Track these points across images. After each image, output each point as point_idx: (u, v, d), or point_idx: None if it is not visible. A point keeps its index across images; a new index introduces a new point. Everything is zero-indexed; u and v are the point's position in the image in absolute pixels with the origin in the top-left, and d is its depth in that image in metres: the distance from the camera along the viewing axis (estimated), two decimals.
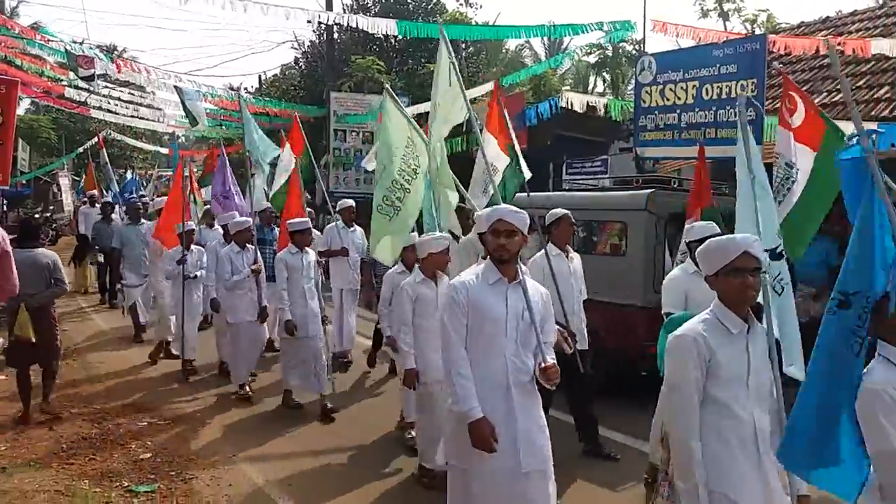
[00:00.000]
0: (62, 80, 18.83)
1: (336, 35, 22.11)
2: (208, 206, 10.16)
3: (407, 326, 4.99)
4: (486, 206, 5.16)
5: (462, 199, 6.35)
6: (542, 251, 5.57)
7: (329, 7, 19.97)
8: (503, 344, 3.32)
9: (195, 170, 14.81)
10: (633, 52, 19.87)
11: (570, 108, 12.01)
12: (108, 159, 16.57)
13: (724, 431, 2.79)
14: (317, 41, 23.72)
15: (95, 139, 28.18)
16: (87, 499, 4.78)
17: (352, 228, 8.69)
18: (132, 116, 21.91)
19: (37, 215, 21.36)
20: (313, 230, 7.88)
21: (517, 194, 6.41)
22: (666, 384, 2.98)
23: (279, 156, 8.81)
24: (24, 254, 6.09)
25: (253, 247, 7.58)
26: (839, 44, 8.38)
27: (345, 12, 21.18)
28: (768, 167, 4.97)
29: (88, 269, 14.52)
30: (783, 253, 3.73)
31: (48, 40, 16.49)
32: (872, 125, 7.07)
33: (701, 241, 4.36)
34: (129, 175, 24.72)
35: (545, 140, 12.68)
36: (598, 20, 11.58)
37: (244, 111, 9.14)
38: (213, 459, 5.64)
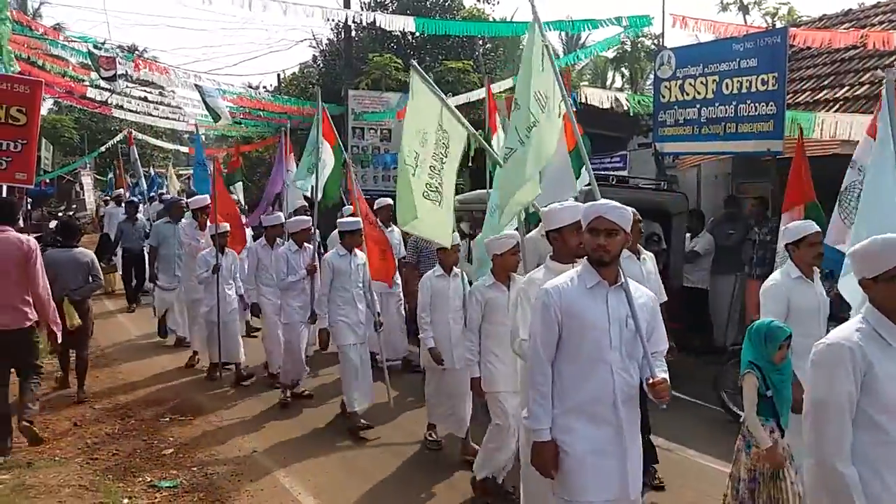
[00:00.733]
0: (84, 81, 19.04)
1: (354, 33, 22.14)
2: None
3: (474, 333, 4.70)
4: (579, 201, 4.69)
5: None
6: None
7: (347, 5, 20.01)
8: (608, 355, 2.97)
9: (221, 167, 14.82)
10: (652, 46, 19.73)
11: (588, 103, 11.94)
12: (137, 156, 16.38)
13: (876, 461, 2.41)
14: (334, 39, 23.78)
15: (120, 136, 28.55)
16: (111, 493, 4.85)
17: (389, 228, 8.27)
18: (151, 115, 22.07)
19: (59, 213, 21.62)
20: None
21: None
22: (810, 400, 2.55)
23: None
24: (67, 253, 7.06)
25: (311, 246, 7.29)
26: (861, 36, 8.26)
27: (362, 10, 21.21)
28: (788, 160, 4.95)
29: (112, 269, 14.06)
30: None
31: (70, 41, 16.69)
32: None
33: (799, 241, 4.27)
34: (151, 172, 24.91)
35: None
36: (617, 15, 11.47)
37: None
38: (234, 455, 5.70)
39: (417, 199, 5.27)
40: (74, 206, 28.49)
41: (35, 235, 7.80)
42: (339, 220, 6.49)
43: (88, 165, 29.94)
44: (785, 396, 3.74)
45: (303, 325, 7.18)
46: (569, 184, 5.73)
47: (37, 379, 5.76)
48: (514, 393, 4.41)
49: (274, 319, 7.54)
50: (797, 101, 9.63)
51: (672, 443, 5.77)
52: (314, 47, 25.16)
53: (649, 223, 8.41)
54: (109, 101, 20.64)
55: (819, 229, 4.35)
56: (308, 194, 8.84)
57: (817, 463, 2.49)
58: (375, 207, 8.24)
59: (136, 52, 29.81)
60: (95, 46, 16.92)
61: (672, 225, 8.30)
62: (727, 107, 8.36)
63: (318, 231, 8.47)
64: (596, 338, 2.97)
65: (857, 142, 7.29)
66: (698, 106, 8.44)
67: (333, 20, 18.98)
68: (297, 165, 9.47)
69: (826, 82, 9.75)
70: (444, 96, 5.21)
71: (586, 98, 12.00)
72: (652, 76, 9.56)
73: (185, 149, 35.71)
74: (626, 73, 23.80)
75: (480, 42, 21.36)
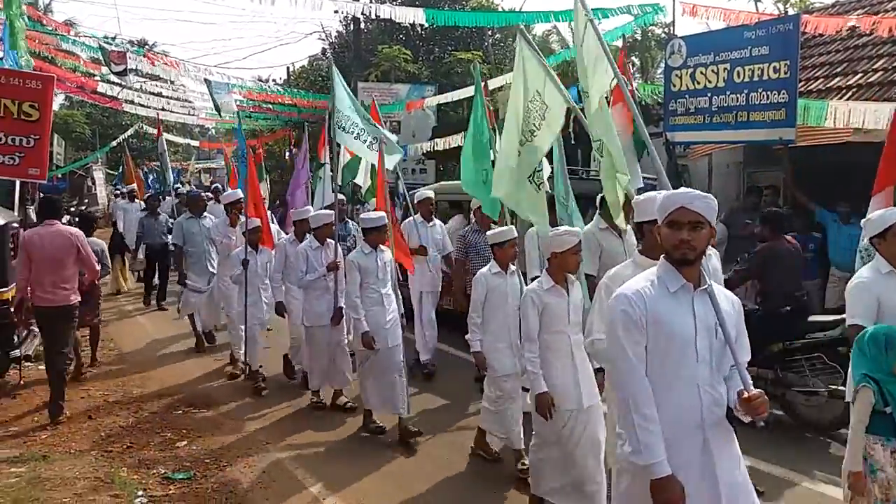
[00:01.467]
0: (95, 76, 19.15)
1: (363, 25, 22.12)
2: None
3: (534, 342, 4.19)
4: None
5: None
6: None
7: None
8: (695, 371, 2.57)
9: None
10: (663, 35, 19.58)
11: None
12: (165, 147, 15.70)
13: None
14: (343, 31, 23.78)
15: (131, 130, 28.68)
16: (126, 486, 4.90)
17: (431, 223, 7.82)
18: (163, 109, 22.17)
19: (71, 208, 21.75)
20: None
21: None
22: None
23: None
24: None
25: (333, 242, 6.80)
26: (874, 23, 8.16)
27: (371, 2, 21.19)
28: (810, 149, 4.87)
29: (124, 269, 13.70)
30: None
31: (81, 36, 16.78)
32: None
33: (884, 233, 3.76)
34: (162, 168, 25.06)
35: (574, 126, 12.54)
36: (627, 3, 11.38)
37: (334, 76, 7.37)
38: (247, 447, 5.73)
39: (528, 190, 4.84)
40: (87, 200, 28.67)
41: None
42: (362, 216, 6.01)
43: (100, 160, 30.12)
44: None
45: (327, 328, 6.64)
46: (635, 172, 5.48)
47: (70, 354, 6.99)
48: (578, 410, 4.11)
49: (299, 322, 7.07)
50: (809, 88, 9.54)
51: None
52: (323, 40, 25.20)
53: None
54: (120, 96, 20.74)
55: None
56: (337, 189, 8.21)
57: None
58: (416, 201, 7.85)
59: (147, 47, 29.94)
60: (106, 41, 17.02)
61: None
62: (738, 95, 8.29)
63: (352, 223, 8.35)
64: (681, 351, 2.56)
65: (871, 130, 7.24)
66: (709, 94, 8.37)
67: (342, 12, 18.99)
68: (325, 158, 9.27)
69: (839, 69, 9.65)
70: (547, 65, 4.80)
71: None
72: (662, 65, 9.48)
73: (195, 143, 35.85)
74: (637, 61, 23.64)
75: (489, 33, 21.27)
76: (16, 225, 9.09)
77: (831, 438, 5.64)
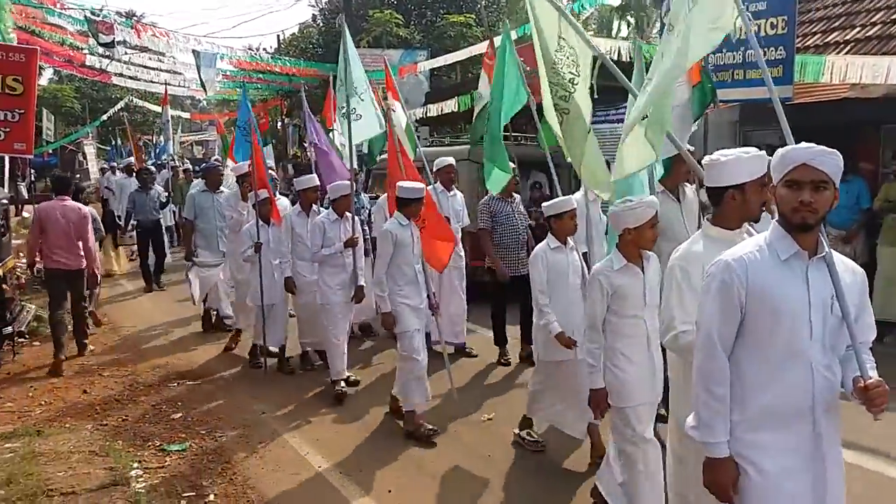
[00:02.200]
0: (83, 49, 18.85)
1: None
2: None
3: (598, 331, 3.67)
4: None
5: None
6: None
7: None
8: (807, 349, 2.30)
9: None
10: None
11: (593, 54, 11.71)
12: (170, 117, 14.67)
13: None
14: None
15: (121, 104, 28.35)
16: (121, 458, 4.88)
17: (451, 192, 7.29)
18: (153, 82, 21.89)
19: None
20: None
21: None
22: None
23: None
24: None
25: (351, 215, 6.30)
26: None
27: None
28: (807, 106, 4.77)
29: (116, 249, 12.94)
30: None
31: (67, 8, 16.46)
32: None
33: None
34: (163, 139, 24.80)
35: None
36: None
37: (345, 37, 6.66)
38: (242, 417, 5.72)
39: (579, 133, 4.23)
40: (79, 175, 28.49)
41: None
42: (399, 185, 5.43)
43: (91, 135, 29.84)
44: None
45: (344, 307, 6.26)
46: (688, 125, 4.94)
47: (86, 304, 7.91)
48: (651, 405, 3.73)
49: (309, 299, 6.64)
50: (806, 44, 9.39)
51: None
52: (313, 6, 24.79)
53: (536, 174, 9.41)
54: (109, 69, 20.47)
55: None
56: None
57: None
58: (435, 169, 7.18)
59: (135, 18, 29.48)
60: (93, 13, 16.72)
61: (558, 175, 9.28)
62: (735, 53, 8.13)
63: (365, 196, 7.81)
64: (792, 326, 2.29)
65: (868, 85, 7.12)
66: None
67: None
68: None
69: (837, 24, 9.48)
70: (562, 8, 4.27)
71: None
72: (658, 24, 9.30)
73: (186, 115, 35.50)
74: (632, 21, 23.34)
75: None
76: (5, 201, 9.02)
77: None
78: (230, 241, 7.91)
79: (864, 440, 4.48)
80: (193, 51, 18.03)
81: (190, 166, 13.77)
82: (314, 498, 4.38)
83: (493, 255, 6.75)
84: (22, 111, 7.73)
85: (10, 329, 7.54)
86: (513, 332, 7.04)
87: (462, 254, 7.28)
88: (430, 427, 5.21)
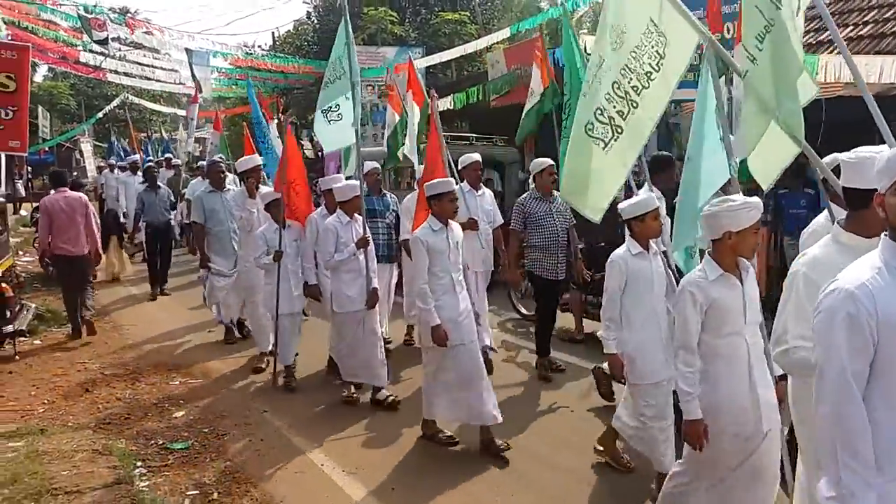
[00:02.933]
0: (77, 45, 18.82)
1: None
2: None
3: (691, 353, 3.18)
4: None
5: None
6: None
7: None
8: None
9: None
10: None
11: (588, 52, 11.75)
12: (196, 113, 14.33)
13: None
14: None
15: (117, 101, 28.26)
16: (124, 457, 4.93)
17: (480, 192, 6.84)
18: (148, 78, 21.85)
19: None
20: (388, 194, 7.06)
21: None
22: None
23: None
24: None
25: (361, 217, 5.97)
26: None
27: None
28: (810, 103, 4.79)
29: (120, 252, 12.22)
30: None
31: (60, 5, 16.44)
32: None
33: None
34: (164, 136, 24.70)
35: (562, 86, 12.44)
36: None
37: (345, 24, 6.11)
38: (244, 416, 5.77)
39: (574, 142, 3.95)
40: (76, 173, 28.43)
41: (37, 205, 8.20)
42: (427, 184, 5.00)
43: (87, 132, 29.77)
44: None
45: (361, 315, 5.83)
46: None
47: (90, 290, 8.55)
48: (748, 440, 3.19)
49: (325, 301, 6.27)
50: (808, 41, 9.44)
51: None
52: (308, 3, 24.74)
53: (489, 170, 10.06)
54: (104, 66, 20.43)
55: None
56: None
57: None
58: (461, 167, 6.85)
59: (128, 14, 29.39)
60: (86, 10, 16.69)
61: (506, 172, 10.90)
62: (729, 51, 8.20)
63: (391, 196, 7.30)
64: None
65: (862, 83, 7.18)
66: (698, 50, 8.28)
67: None
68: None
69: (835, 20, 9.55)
70: None
71: (585, 45, 11.80)
72: None
73: (183, 112, 35.38)
74: None
75: None
76: (2, 199, 9.05)
77: None
78: (242, 244, 7.43)
79: None
80: (186, 49, 18.03)
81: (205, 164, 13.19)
82: (317, 495, 4.43)
83: (514, 257, 6.44)
84: (15, 108, 7.74)
85: (10, 328, 7.57)
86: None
87: (491, 257, 6.91)
88: (448, 434, 4.96)
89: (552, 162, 6.28)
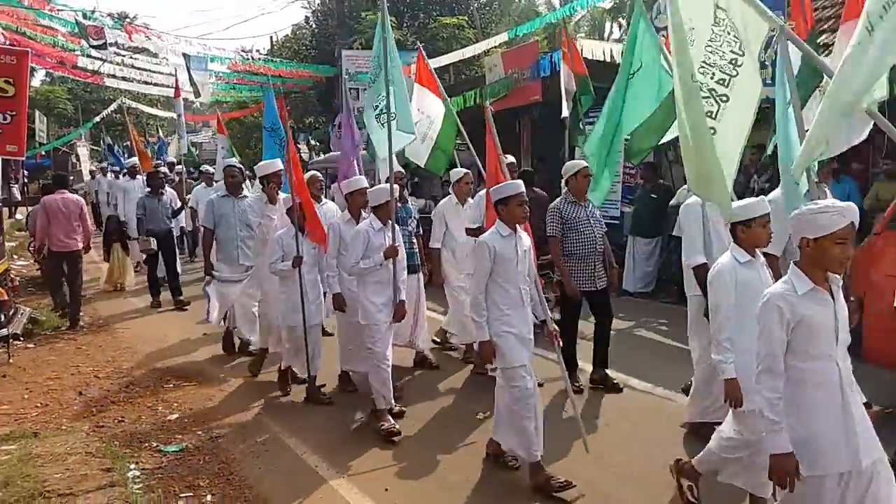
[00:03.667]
0: (75, 50, 18.82)
1: None
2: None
3: (776, 376, 2.80)
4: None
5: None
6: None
7: None
8: None
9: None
10: None
11: (584, 56, 11.77)
12: (182, 110, 13.12)
13: None
14: None
15: (114, 105, 28.21)
16: (118, 459, 4.90)
17: None
18: (146, 83, 21.85)
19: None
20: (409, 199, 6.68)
21: None
22: None
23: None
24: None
25: (392, 223, 5.59)
26: None
27: None
28: None
29: (123, 260, 11.47)
30: None
31: (58, 10, 16.43)
32: None
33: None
34: (161, 137, 24.60)
35: (560, 90, 12.46)
36: None
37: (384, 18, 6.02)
38: (238, 418, 5.75)
39: (696, 140, 3.42)
40: (72, 177, 28.39)
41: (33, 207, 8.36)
42: (493, 188, 4.55)
43: (84, 136, 29.75)
44: None
45: (388, 327, 5.51)
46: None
47: (80, 281, 9.34)
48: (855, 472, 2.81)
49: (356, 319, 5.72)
50: None
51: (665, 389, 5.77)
52: (306, 7, 24.81)
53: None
54: (101, 71, 20.44)
55: None
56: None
57: None
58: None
59: (126, 20, 29.43)
60: (84, 16, 16.69)
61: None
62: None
63: (412, 203, 6.83)
64: None
65: None
66: None
67: None
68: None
69: (825, 26, 9.56)
70: None
71: (582, 50, 11.83)
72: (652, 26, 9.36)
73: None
74: (624, 23, 23.42)
75: None
76: None
77: None
78: (258, 252, 7.00)
79: None
80: (184, 54, 18.02)
81: (212, 170, 12.35)
82: (311, 497, 4.40)
83: (563, 267, 5.87)
84: (14, 113, 7.75)
85: (5, 331, 7.55)
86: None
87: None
88: (562, 480, 4.23)
89: (586, 164, 5.87)
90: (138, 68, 21.34)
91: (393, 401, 5.46)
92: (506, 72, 12.99)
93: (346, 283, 5.84)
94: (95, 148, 32.83)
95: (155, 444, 5.22)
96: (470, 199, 6.82)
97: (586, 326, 6.27)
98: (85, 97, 35.18)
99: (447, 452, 4.96)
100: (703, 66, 3.60)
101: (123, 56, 20.54)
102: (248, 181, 10.48)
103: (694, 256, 4.81)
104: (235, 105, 26.49)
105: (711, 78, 3.61)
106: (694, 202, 4.81)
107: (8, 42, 14.00)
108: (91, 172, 22.62)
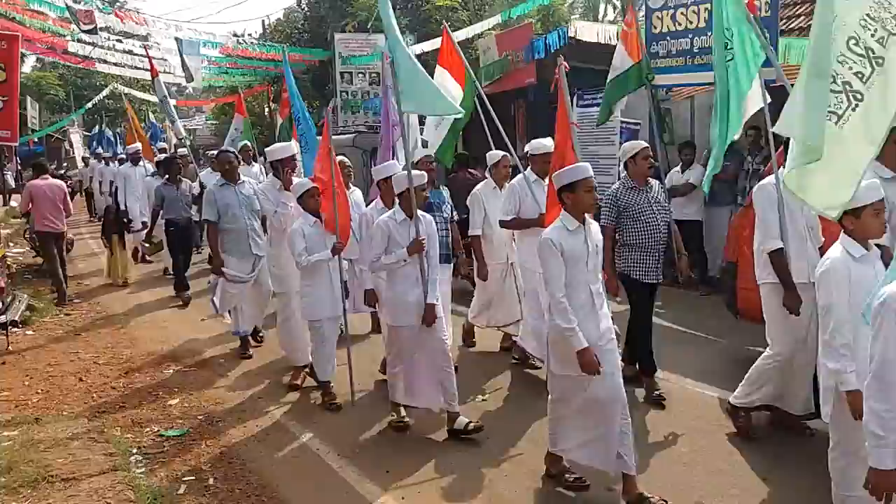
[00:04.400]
0: (65, 35, 18.67)
1: None
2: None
3: (891, 388, 2.57)
4: None
5: None
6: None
7: None
8: None
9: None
10: None
11: (578, 38, 11.74)
12: (167, 92, 12.36)
13: None
14: None
15: (107, 91, 28.01)
16: (120, 444, 4.95)
17: (546, 181, 5.54)
18: (137, 68, 21.70)
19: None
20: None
21: None
22: None
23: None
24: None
25: (424, 215, 5.03)
26: None
27: None
28: (781, 88, 4.85)
29: (123, 255, 10.74)
30: None
31: None
32: None
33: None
34: (153, 121, 24.44)
35: (554, 72, 12.43)
36: None
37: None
38: (240, 403, 5.79)
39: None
40: (65, 164, 28.26)
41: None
42: (556, 173, 3.98)
43: (76, 123, 29.58)
44: None
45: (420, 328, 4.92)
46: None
47: (64, 260, 9.88)
48: None
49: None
50: (791, 27, 9.45)
51: (670, 373, 5.82)
52: None
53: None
54: (92, 56, 20.28)
55: None
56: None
57: None
58: (530, 154, 6.00)
59: (117, 4, 29.18)
60: (74, 0, 16.54)
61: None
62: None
63: (445, 190, 6.32)
64: None
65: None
66: (690, 36, 8.31)
67: None
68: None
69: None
70: None
71: (577, 32, 11.80)
72: (644, 7, 9.34)
73: (172, 101, 35.13)
74: (619, 4, 23.34)
75: None
76: None
77: None
78: (274, 243, 6.51)
79: None
80: (176, 38, 17.90)
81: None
82: (313, 479, 4.46)
83: (610, 262, 5.25)
84: (5, 98, 7.74)
85: (3, 318, 7.57)
86: None
87: None
88: (577, 476, 4.11)
89: (646, 144, 5.41)
90: (129, 53, 21.19)
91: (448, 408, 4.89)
92: (500, 54, 12.94)
93: (379, 277, 5.27)
94: (88, 134, 32.63)
95: (156, 429, 5.27)
96: (507, 184, 6.28)
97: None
98: (76, 83, 34.92)
99: (445, 436, 5.00)
100: (864, 20, 3.38)
101: (114, 40, 20.38)
102: (261, 167, 10.23)
103: (769, 241, 4.43)
104: (228, 90, 26.32)
105: (872, 35, 3.37)
106: (767, 183, 4.48)
107: None
108: (84, 159, 22.45)
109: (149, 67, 22.10)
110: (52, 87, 33.61)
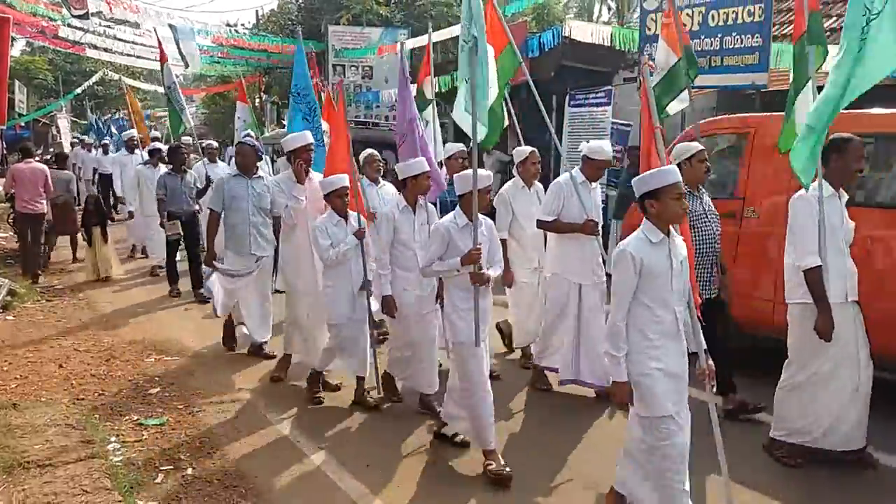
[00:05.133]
0: (56, 20, 18.48)
1: None
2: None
3: None
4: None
5: None
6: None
7: None
8: None
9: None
10: None
11: (573, 38, 11.75)
12: (174, 79, 11.40)
13: None
14: None
15: (97, 77, 27.75)
16: (98, 431, 4.90)
17: (593, 185, 5.49)
18: (128, 55, 21.53)
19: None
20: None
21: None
22: None
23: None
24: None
25: (483, 218, 4.49)
26: None
27: None
28: (783, 93, 4.84)
29: (102, 248, 10.20)
30: None
31: None
32: None
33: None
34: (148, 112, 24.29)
35: (548, 71, 12.43)
36: None
37: None
38: (220, 392, 5.75)
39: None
40: (52, 149, 27.96)
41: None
42: (637, 178, 3.39)
43: (64, 108, 29.32)
44: None
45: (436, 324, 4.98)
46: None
47: (41, 241, 10.34)
48: None
49: (410, 323, 5.11)
50: (784, 32, 9.50)
51: None
52: None
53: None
54: (83, 41, 20.10)
55: None
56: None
57: None
58: (585, 156, 5.48)
59: None
60: None
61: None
62: (713, 39, 8.26)
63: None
64: None
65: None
66: None
67: None
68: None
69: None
70: None
71: (571, 32, 11.81)
72: (638, 9, 9.35)
73: (163, 89, 34.91)
74: (613, 5, 23.38)
75: None
76: None
77: None
78: (286, 240, 6.10)
79: None
80: (170, 25, 17.76)
81: (215, 144, 11.53)
82: (291, 471, 4.42)
83: None
84: None
85: None
86: None
87: (602, 269, 5.34)
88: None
89: (702, 147, 4.86)
90: (121, 39, 21.01)
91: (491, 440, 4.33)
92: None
93: (401, 283, 5.05)
94: (76, 120, 32.36)
95: (136, 418, 5.21)
96: (537, 183, 6.02)
97: None
98: (66, 68, 34.63)
99: (425, 431, 4.97)
100: None
101: (107, 26, 20.21)
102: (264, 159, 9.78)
103: (806, 258, 4.06)
104: (219, 80, 26.18)
105: None
106: (810, 194, 4.10)
107: None
108: (71, 144, 22.24)
109: (149, 57, 22.03)
110: (41, 72, 33.31)
